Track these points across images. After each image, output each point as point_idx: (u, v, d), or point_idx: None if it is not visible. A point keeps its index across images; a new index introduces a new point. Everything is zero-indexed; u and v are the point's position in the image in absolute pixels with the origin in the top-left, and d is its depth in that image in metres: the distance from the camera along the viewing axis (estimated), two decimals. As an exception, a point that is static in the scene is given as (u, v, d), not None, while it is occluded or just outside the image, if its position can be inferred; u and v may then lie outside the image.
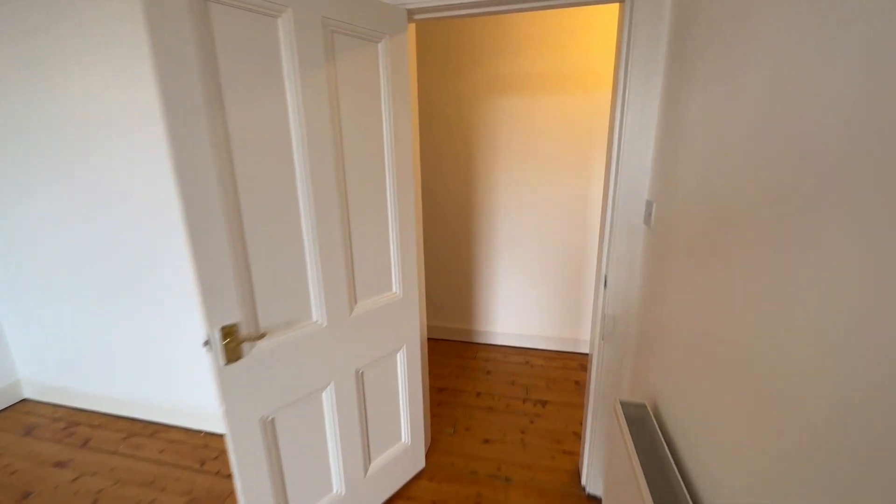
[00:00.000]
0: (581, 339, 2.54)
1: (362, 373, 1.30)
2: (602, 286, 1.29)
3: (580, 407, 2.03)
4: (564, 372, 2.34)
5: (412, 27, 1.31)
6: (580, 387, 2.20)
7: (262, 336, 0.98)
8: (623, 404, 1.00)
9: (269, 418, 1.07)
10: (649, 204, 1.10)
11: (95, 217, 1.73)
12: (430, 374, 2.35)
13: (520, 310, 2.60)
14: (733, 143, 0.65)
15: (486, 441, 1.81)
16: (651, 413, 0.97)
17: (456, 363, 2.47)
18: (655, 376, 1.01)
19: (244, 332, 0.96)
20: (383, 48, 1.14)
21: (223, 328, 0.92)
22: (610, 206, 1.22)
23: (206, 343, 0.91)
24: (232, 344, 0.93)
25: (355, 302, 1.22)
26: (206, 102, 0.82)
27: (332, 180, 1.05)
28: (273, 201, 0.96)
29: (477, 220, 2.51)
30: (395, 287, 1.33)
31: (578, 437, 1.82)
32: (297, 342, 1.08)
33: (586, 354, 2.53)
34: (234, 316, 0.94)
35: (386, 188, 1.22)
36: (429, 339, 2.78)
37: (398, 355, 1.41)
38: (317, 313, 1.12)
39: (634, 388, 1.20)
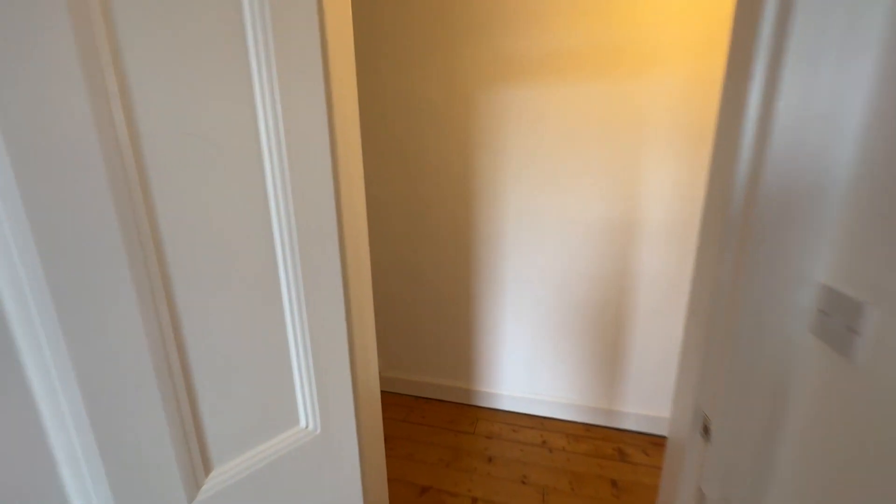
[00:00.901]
0: (616, 410, 1.90)
1: (235, 588, 0.70)
2: (696, 434, 0.67)
3: (622, 534, 1.39)
4: (596, 463, 1.70)
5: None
6: (620, 493, 1.55)
7: None
8: None
9: None
10: (842, 302, 0.47)
11: None
12: (411, 461, 1.74)
13: (533, 368, 1.97)
14: None
15: None
16: None
17: (447, 441, 1.85)
18: None
19: None
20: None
21: None
22: (720, 287, 0.59)
23: None
24: None
25: (206, 470, 0.62)
26: None
27: (110, 223, 0.45)
28: None
29: (477, 249, 1.90)
30: (305, 418, 0.73)
31: None
32: None
33: (623, 431, 1.89)
34: None
35: (274, 239, 0.62)
36: (416, 399, 2.17)
37: (317, 529, 0.80)
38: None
39: None
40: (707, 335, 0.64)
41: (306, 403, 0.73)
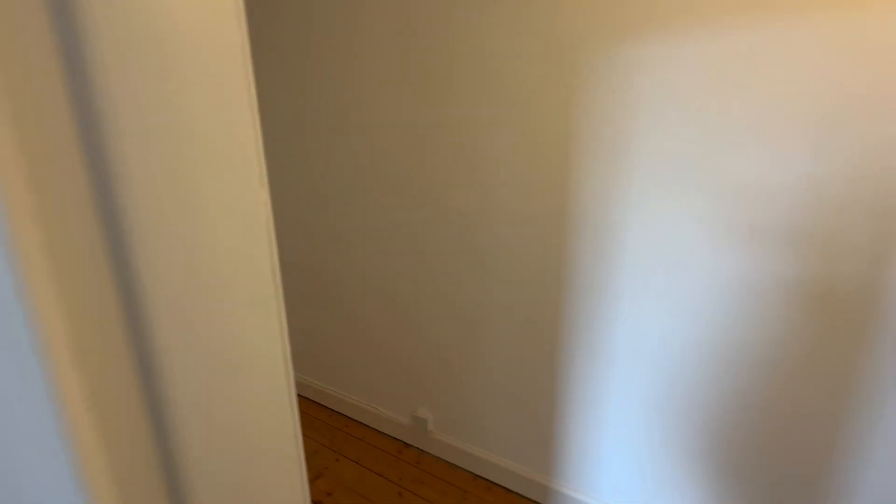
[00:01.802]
0: (797, 579, 1.15)
1: None
2: None
3: None
4: None
5: None
6: None
7: None
8: None
9: None
10: None
11: None
12: None
13: (647, 478, 1.30)
14: None
15: None
16: None
17: (512, 570, 1.29)
18: None
19: None
20: None
21: None
22: None
23: None
24: None
25: None
26: None
27: None
28: None
29: (573, 295, 1.26)
30: None
31: None
32: None
33: None
34: None
35: None
36: (475, 479, 1.63)
37: None
38: None
39: None
40: None
41: None
